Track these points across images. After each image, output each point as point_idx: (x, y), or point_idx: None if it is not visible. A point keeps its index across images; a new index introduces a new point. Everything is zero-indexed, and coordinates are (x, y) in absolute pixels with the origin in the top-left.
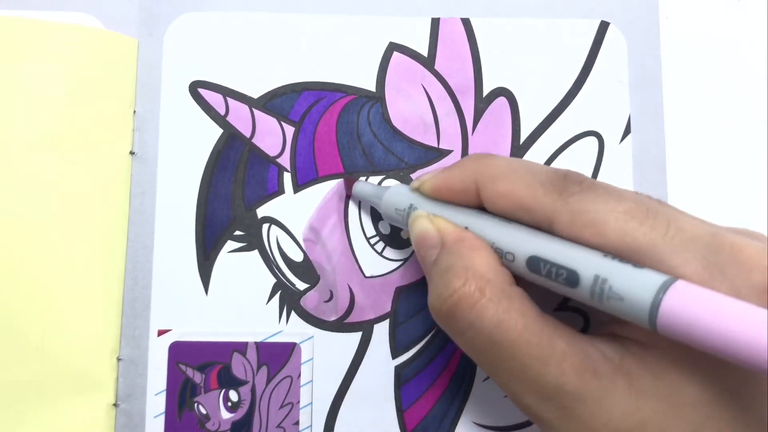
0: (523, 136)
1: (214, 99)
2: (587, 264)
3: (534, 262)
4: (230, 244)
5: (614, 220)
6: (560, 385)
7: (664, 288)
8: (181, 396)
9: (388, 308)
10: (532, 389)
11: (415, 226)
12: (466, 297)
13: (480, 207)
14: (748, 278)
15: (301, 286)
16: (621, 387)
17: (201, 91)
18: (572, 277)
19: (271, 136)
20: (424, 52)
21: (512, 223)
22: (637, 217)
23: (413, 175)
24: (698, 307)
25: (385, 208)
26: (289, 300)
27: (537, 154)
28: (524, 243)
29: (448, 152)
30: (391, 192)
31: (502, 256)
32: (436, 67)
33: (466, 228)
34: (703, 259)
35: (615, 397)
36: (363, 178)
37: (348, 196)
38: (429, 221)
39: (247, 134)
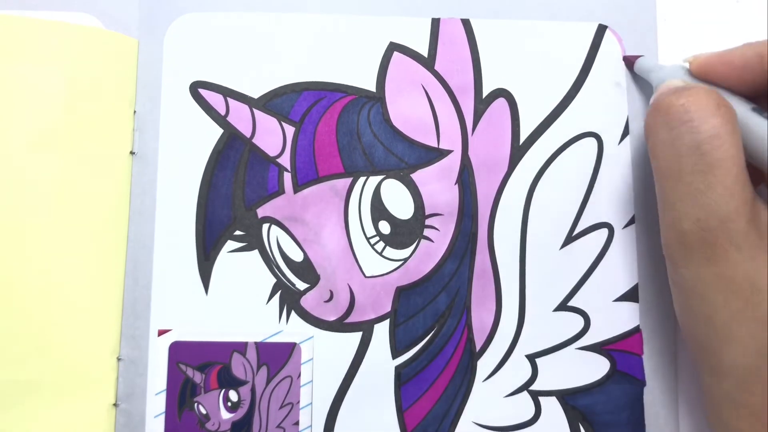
0: (523, 136)
1: (215, 99)
2: None
3: None
4: (230, 244)
5: None
6: (728, 221)
7: None
8: (181, 396)
9: (388, 308)
10: (700, 213)
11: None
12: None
13: (755, 95)
14: None
15: (301, 286)
16: None
17: (201, 91)
18: None
19: (272, 136)
20: (425, 52)
21: None
22: None
23: (414, 175)
24: None
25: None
26: (289, 300)
27: (537, 154)
28: None
29: (448, 152)
30: (665, 71)
31: None
32: (436, 67)
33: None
34: None
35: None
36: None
37: (630, 70)
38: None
39: (248, 134)
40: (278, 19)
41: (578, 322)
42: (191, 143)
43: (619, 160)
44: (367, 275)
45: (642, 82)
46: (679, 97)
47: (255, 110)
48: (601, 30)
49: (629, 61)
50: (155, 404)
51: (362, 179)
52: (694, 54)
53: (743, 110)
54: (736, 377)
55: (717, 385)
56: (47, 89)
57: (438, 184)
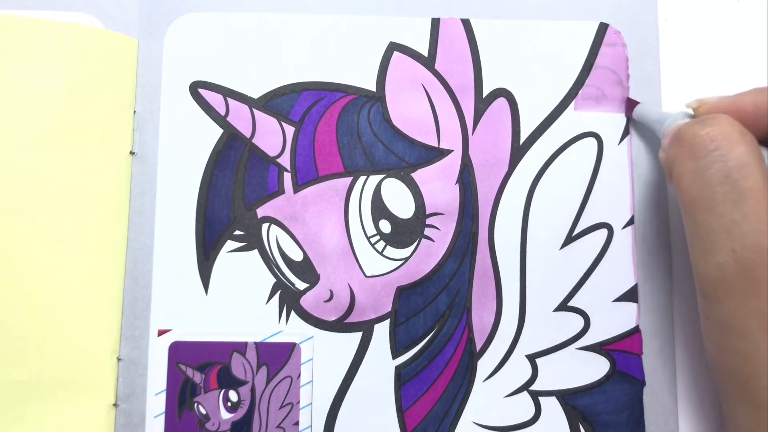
0: (523, 136)
1: (215, 99)
2: None
3: None
4: (230, 244)
5: None
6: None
7: None
8: (181, 396)
9: (388, 308)
10: (736, 245)
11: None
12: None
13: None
14: None
15: (300, 285)
16: None
17: (201, 91)
18: None
19: (271, 136)
20: (425, 52)
21: None
22: None
23: (415, 174)
24: None
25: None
26: (288, 300)
27: (537, 154)
28: None
29: (448, 152)
30: (673, 118)
31: None
32: (437, 67)
33: None
34: None
35: None
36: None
37: (628, 118)
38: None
39: (247, 134)
40: (278, 19)
41: (578, 322)
42: (191, 143)
43: (619, 161)
44: (367, 275)
45: (646, 81)
46: (703, 126)
47: (255, 110)
48: (603, 28)
49: (629, 106)
50: (155, 404)
51: (362, 178)
52: (698, 99)
53: None
54: None
55: (756, 419)
56: (47, 89)
57: (439, 183)
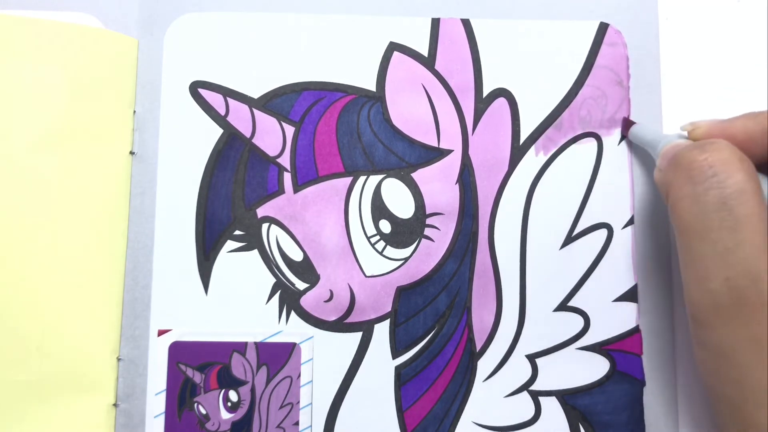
0: (523, 136)
1: (214, 99)
2: None
3: None
4: (230, 244)
5: None
6: (760, 280)
7: None
8: (181, 396)
9: (388, 308)
10: (729, 272)
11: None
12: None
13: (759, 166)
14: None
15: (300, 285)
16: None
17: (201, 91)
18: None
19: (271, 136)
20: (425, 52)
21: None
22: None
23: (415, 174)
24: None
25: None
26: (289, 300)
27: (537, 154)
28: None
29: (448, 152)
30: (668, 139)
31: None
32: (437, 67)
33: None
34: None
35: None
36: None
37: (623, 137)
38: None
39: (247, 134)
40: (278, 19)
41: (578, 322)
42: (191, 143)
43: (619, 161)
44: (367, 275)
45: (646, 81)
46: (702, 151)
47: (255, 110)
48: (603, 28)
49: (625, 125)
50: (155, 404)
51: (362, 178)
52: (692, 122)
53: None
54: None
55: None
56: (47, 89)
57: (438, 183)
